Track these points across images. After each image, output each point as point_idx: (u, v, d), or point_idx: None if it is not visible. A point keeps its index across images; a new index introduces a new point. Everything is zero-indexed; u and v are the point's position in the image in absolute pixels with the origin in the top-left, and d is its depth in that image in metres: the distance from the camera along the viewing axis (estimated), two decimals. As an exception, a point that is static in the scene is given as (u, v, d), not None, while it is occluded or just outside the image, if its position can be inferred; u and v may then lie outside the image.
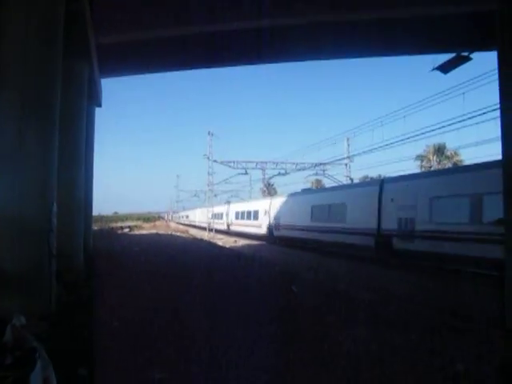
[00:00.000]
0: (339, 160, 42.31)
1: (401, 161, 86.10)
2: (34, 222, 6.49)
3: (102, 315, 7.43)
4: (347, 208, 24.08)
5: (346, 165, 43.64)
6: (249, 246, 32.02)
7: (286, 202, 34.54)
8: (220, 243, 33.45)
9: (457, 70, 11.34)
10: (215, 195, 58.73)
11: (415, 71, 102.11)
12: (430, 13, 10.43)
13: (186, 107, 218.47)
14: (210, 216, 51.35)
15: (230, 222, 50.47)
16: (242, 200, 55.87)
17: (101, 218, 63.52)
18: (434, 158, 50.75)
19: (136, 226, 61.34)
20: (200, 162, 57.92)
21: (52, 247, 6.69)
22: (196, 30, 12.00)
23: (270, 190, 63.14)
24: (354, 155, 40.72)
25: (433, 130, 23.47)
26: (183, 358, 5.64)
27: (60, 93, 7.27)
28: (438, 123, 23.27)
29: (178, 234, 46.09)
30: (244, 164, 48.05)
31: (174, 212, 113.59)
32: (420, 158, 50.81)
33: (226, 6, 10.68)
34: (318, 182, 63.10)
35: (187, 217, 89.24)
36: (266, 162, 49.05)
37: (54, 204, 6.83)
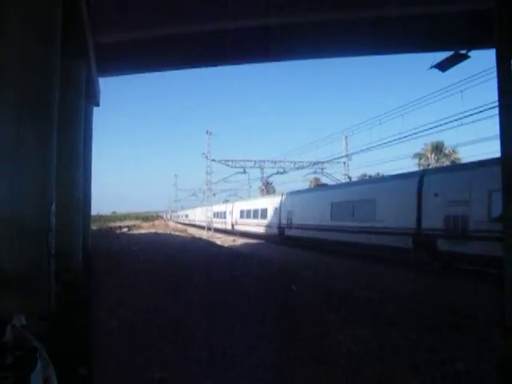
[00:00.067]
0: (337, 158, 42.36)
1: (399, 159, 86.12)
2: (33, 221, 6.49)
3: (101, 315, 7.43)
4: (377, 204, 21.29)
5: (345, 163, 43.65)
6: (247, 244, 32.05)
7: (299, 199, 31.79)
8: (219, 242, 33.47)
9: (456, 67, 11.38)
10: (214, 194, 58.68)
11: (414, 69, 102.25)
12: (430, 11, 10.43)
13: (183, 106, 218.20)
14: (211, 215, 51.19)
15: (234, 221, 47.72)
16: (248, 198, 53.51)
17: (99, 218, 63.54)
18: (432, 156, 50.77)
19: (134, 226, 61.28)
20: (198, 161, 58.09)
21: (51, 247, 6.68)
22: (197, 28, 11.98)
23: (268, 189, 63.13)
24: (352, 153, 40.75)
25: (431, 128, 23.49)
26: (183, 357, 5.65)
27: (58, 92, 7.26)
28: (437, 121, 23.34)
29: (177, 233, 46.08)
30: (242, 163, 47.98)
31: (172, 211, 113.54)
32: (418, 156, 50.87)
33: (227, 5, 10.69)
34: (317, 180, 63.11)
35: (187, 216, 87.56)
36: (265, 161, 48.98)
37: (53, 204, 6.82)
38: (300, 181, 51.12)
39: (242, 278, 12.34)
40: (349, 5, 10.84)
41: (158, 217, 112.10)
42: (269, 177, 53.80)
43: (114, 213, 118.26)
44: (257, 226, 39.84)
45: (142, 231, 47.77)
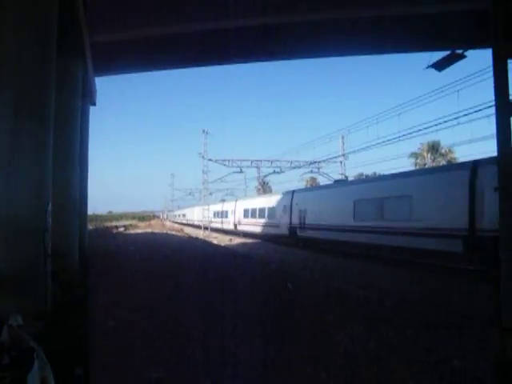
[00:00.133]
0: (334, 158, 42.44)
1: (396, 158, 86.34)
2: (29, 221, 6.47)
3: (97, 315, 7.41)
4: (413, 201, 18.39)
5: (341, 162, 43.75)
6: (244, 244, 32.07)
7: (315, 197, 28.91)
8: (215, 242, 33.48)
9: (453, 67, 11.42)
10: (210, 194, 58.70)
11: (412, 68, 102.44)
12: (430, 11, 10.44)
13: (180, 106, 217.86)
14: (209, 215, 50.84)
15: (237, 220, 45.01)
16: (253, 196, 51.02)
17: (96, 218, 63.39)
18: (429, 155, 50.92)
19: (131, 225, 61.12)
20: (195, 160, 57.82)
21: (47, 247, 6.66)
22: (195, 27, 11.97)
23: (265, 189, 63.19)
24: (348, 153, 40.84)
25: (427, 128, 23.58)
26: (180, 357, 5.65)
27: (54, 92, 7.24)
28: (433, 120, 23.44)
29: (174, 232, 46.02)
30: (239, 162, 48.05)
31: (169, 211, 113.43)
32: (414, 155, 51.03)
33: (227, 4, 10.68)
34: (313, 180, 63.19)
35: (184, 215, 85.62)
36: (261, 161, 49.08)
37: (50, 203, 6.80)
38: (296, 180, 51.21)
39: (238, 277, 12.33)
40: (349, 4, 10.85)
41: (154, 216, 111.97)
42: (265, 176, 53.93)
43: (111, 212, 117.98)
44: (263, 226, 37.05)
45: (139, 231, 47.70)
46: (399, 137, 26.04)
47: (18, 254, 6.29)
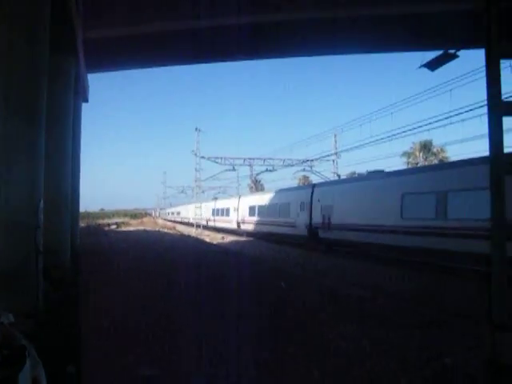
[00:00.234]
0: (326, 156, 42.50)
1: (388, 157, 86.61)
2: (21, 219, 6.42)
3: (89, 312, 7.38)
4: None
5: (334, 161, 43.82)
6: (236, 242, 32.04)
7: (343, 191, 24.32)
8: (207, 239, 33.45)
9: (450, 66, 11.50)
10: (203, 191, 58.54)
11: (406, 67, 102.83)
12: (430, 10, 10.45)
13: (173, 104, 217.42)
14: (208, 213, 50.10)
15: (241, 219, 40.81)
16: (260, 192, 46.16)
17: (87, 215, 63.09)
18: (421, 154, 51.15)
19: (123, 223, 60.99)
20: (187, 158, 57.30)
21: (39, 244, 6.62)
22: (188, 24, 11.93)
23: (257, 186, 63.18)
24: (341, 151, 40.88)
25: (419, 127, 23.64)
26: (173, 355, 5.64)
27: (46, 88, 7.18)
28: (425, 120, 23.52)
29: (166, 230, 45.96)
30: (231, 160, 48.06)
31: (161, 208, 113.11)
32: (406, 154, 51.24)
33: (220, 2, 10.67)
34: (306, 178, 63.27)
35: (178, 213, 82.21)
36: (254, 159, 49.10)
37: (41, 201, 6.75)
38: (289, 178, 50.99)
39: (231, 275, 12.34)
40: (348, 3, 10.84)
41: (146, 214, 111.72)
42: (258, 174, 53.86)
43: (103, 210, 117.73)
44: (274, 226, 32.37)
45: (131, 228, 47.58)
46: (392, 136, 26.11)
47: (9, 251, 6.24)
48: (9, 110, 6.33)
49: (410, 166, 47.24)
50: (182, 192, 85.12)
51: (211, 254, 19.37)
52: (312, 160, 43.37)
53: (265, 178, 60.92)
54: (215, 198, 57.30)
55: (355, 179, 25.46)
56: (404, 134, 25.24)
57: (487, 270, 4.50)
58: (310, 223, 26.54)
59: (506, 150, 4.32)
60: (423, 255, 16.75)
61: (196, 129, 49.38)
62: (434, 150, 50.37)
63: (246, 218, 39.53)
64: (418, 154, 51.13)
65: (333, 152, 42.39)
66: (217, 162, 47.78)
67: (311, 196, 27.11)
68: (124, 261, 15.04)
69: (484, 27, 4.37)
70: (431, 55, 11.51)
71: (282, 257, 20.81)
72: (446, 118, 21.67)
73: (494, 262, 5.02)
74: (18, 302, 6.12)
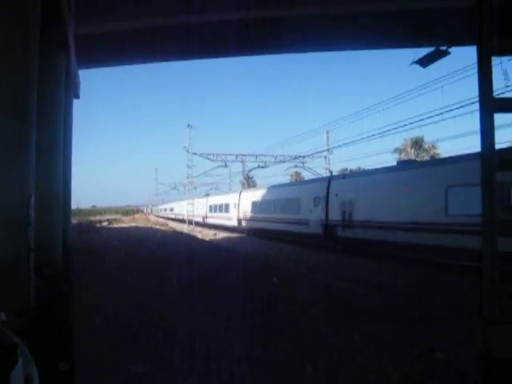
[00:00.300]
0: (318, 152, 42.57)
1: (379, 154, 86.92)
2: (11, 215, 6.35)
3: (82, 309, 7.36)
4: None
5: (326, 157, 43.88)
6: (228, 238, 32.05)
7: (369, 184, 21.08)
8: (200, 236, 33.42)
9: (441, 63, 11.59)
10: (195, 188, 58.34)
11: (399, 63, 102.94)
12: (431, 6, 10.46)
13: (165, 100, 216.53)
14: (205, 209, 49.59)
15: (242, 216, 38.10)
16: (264, 186, 39.98)
17: (79, 212, 62.79)
18: (412, 151, 51.40)
19: (115, 220, 60.72)
20: (179, 154, 56.71)
21: (30, 241, 6.56)
22: (181, 19, 11.85)
23: (249, 183, 63.16)
24: (333, 148, 40.92)
25: (410, 124, 23.71)
26: (165, 352, 5.63)
27: (37, 84, 7.12)
28: (417, 116, 23.58)
29: (158, 227, 45.83)
30: (224, 157, 47.92)
31: (153, 205, 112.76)
32: (398, 151, 51.45)
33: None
34: (298, 174, 63.34)
35: (172, 210, 79.40)
36: (246, 155, 49.03)
37: (32, 197, 6.70)
38: (281, 175, 50.82)
39: (223, 271, 12.33)
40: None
41: (138, 211, 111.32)
42: (250, 171, 53.82)
43: (94, 207, 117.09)
44: (282, 224, 29.67)
45: (123, 225, 47.40)
46: (383, 132, 26.16)
47: (-1, 248, 6.20)
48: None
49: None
50: (174, 188, 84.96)
51: (203, 251, 19.36)
52: (304, 156, 43.43)
53: (257, 175, 60.71)
54: (207, 195, 57.04)
55: (385, 170, 22.28)
56: (395, 130, 25.31)
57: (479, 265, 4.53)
58: (326, 220, 23.85)
59: (497, 147, 4.35)
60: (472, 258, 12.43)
61: (188, 125, 49.21)
62: (426, 146, 50.65)
63: (248, 215, 36.73)
64: (409, 150, 51.36)
65: (325, 148, 42.48)
66: (209, 159, 47.69)
67: (327, 190, 24.33)
68: (116, 257, 14.99)
69: (476, 24, 4.39)
70: (423, 52, 11.58)
71: (274, 253, 20.86)
72: (438, 115, 21.77)
73: (485, 258, 5.06)
74: (9, 300, 6.08)
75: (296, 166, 47.17)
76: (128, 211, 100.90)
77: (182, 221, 56.09)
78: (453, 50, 11.33)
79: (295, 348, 5.80)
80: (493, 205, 4.90)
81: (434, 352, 5.48)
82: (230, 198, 42.68)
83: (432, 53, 11.13)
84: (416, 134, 45.33)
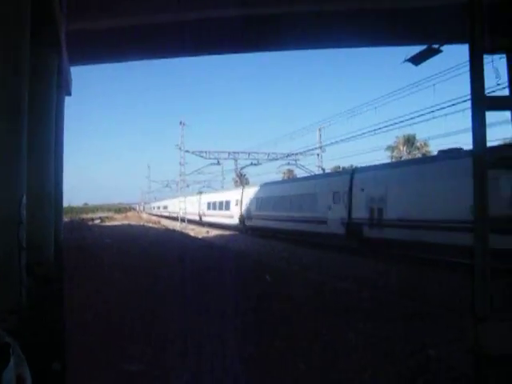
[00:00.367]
0: (311, 150, 42.62)
1: (372, 151, 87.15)
2: (3, 214, 6.31)
3: (74, 309, 7.33)
4: None
5: (318, 155, 43.94)
6: (221, 236, 32.01)
7: (404, 176, 18.54)
8: (192, 234, 33.36)
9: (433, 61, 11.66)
10: (187, 185, 58.22)
11: (391, 61, 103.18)
12: (427, 4, 10.50)
13: (157, 97, 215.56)
14: (195, 207, 49.37)
15: (246, 214, 35.12)
16: (270, 182, 36.20)
17: (71, 210, 62.52)
18: (404, 148, 51.60)
19: (107, 217, 60.45)
20: (172, 152, 56.42)
21: (22, 240, 6.52)
22: (178, 16, 11.80)
23: (242, 180, 63.15)
24: (325, 145, 40.98)
25: (403, 121, 23.76)
26: (158, 350, 5.62)
27: (28, 84, 7.07)
28: (409, 114, 23.64)
29: (150, 224, 45.72)
30: (216, 154, 47.88)
31: (145, 203, 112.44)
32: (390, 148, 51.66)
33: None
34: (290, 172, 63.39)
35: (165, 207, 76.65)
36: (239, 152, 49.00)
37: (24, 196, 6.65)
38: (274, 172, 50.72)
39: (216, 269, 12.33)
40: None
41: (131, 208, 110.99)
42: (242, 168, 53.76)
43: (86, 204, 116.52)
44: (292, 222, 26.83)
45: (115, 223, 47.23)
46: (376, 130, 26.25)
47: (-10, 247, 6.15)
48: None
49: (393, 159, 47.59)
50: (167, 186, 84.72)
51: (196, 248, 19.33)
52: (297, 154, 43.48)
53: (249, 172, 60.68)
54: (200, 192, 56.86)
55: (424, 160, 20.08)
56: (388, 128, 25.38)
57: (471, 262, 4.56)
58: (349, 218, 21.26)
59: (488, 145, 4.38)
60: None
61: (180, 122, 49.10)
62: (418, 144, 50.86)
63: (252, 213, 33.60)
64: (401, 147, 51.57)
65: (317, 146, 42.54)
66: (201, 156, 47.61)
67: (350, 184, 21.64)
68: (109, 255, 14.93)
69: (468, 22, 4.42)
70: (415, 50, 11.63)
71: (267, 250, 20.86)
72: (429, 113, 21.84)
73: (476, 255, 5.09)
74: (0, 299, 6.04)
75: (288, 164, 47.26)
76: (120, 209, 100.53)
77: (175, 219, 54.50)
78: (445, 48, 11.40)
79: (289, 345, 5.81)
80: (484, 202, 4.93)
81: (426, 349, 5.51)
82: (232, 195, 39.56)
83: (424, 51, 11.17)
84: (408, 131, 45.62)
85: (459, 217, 13.81)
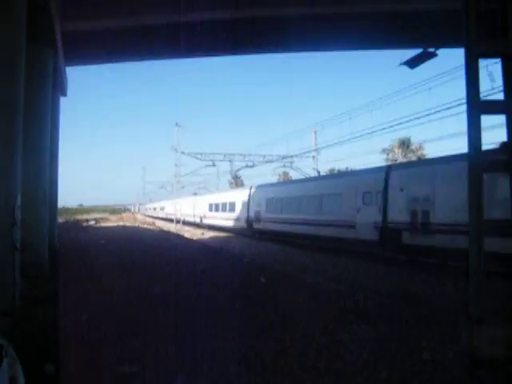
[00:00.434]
0: (307, 152, 42.70)
1: (367, 154, 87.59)
2: (-3, 215, 6.31)
3: (68, 309, 7.29)
4: None
5: (313, 157, 44.00)
6: (216, 237, 31.96)
7: (457, 171, 13.60)
8: (187, 235, 33.29)
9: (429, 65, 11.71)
10: (182, 187, 58.14)
11: (386, 65, 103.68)
12: (429, 8, 10.56)
13: (152, 99, 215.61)
14: (196, 208, 48.93)
15: (254, 216, 31.96)
16: (283, 181, 33.47)
17: (66, 211, 62.31)
18: (399, 151, 51.77)
19: (102, 219, 60.27)
20: (167, 153, 56.41)
21: (16, 241, 6.51)
22: (170, 18, 11.83)
23: (237, 182, 63.14)
24: (321, 148, 41.08)
25: (398, 124, 23.88)
26: (153, 351, 5.60)
27: (24, 81, 7.05)
28: (404, 117, 23.76)
29: (145, 226, 45.61)
30: (212, 156, 47.84)
31: (140, 204, 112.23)
32: (386, 151, 51.83)
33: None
34: (286, 174, 63.45)
35: (162, 209, 73.99)
36: (234, 154, 48.97)
37: (18, 197, 6.64)
38: (269, 174, 50.72)
39: (211, 271, 12.31)
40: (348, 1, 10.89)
41: (126, 210, 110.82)
42: (238, 170, 53.71)
43: (81, 205, 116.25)
44: (311, 226, 24.00)
45: (110, 224, 47.07)
46: (371, 133, 26.36)
47: (-16, 248, 6.14)
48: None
49: (389, 162, 47.77)
50: (162, 187, 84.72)
51: (190, 250, 19.30)
52: (292, 156, 43.55)
53: (245, 174, 60.70)
54: (195, 194, 56.81)
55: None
56: (383, 131, 25.51)
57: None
58: (384, 223, 18.68)
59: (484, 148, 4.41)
60: None
61: (176, 124, 49.04)
62: (413, 147, 51.05)
63: (262, 215, 30.60)
64: (396, 150, 51.73)
65: (313, 148, 42.62)
66: (197, 158, 47.58)
67: (385, 183, 18.91)
68: (103, 257, 14.90)
69: (464, 27, 4.45)
70: (411, 53, 11.70)
71: (261, 252, 20.85)
72: (424, 116, 21.97)
73: (471, 258, 5.12)
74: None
75: (284, 166, 47.29)
76: (115, 210, 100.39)
77: (171, 221, 53.28)
78: (441, 51, 11.48)
79: (282, 347, 5.80)
80: (479, 205, 4.96)
81: (421, 351, 5.52)
82: (238, 196, 36.35)
83: (420, 54, 11.25)
84: (403, 134, 45.84)
85: None
